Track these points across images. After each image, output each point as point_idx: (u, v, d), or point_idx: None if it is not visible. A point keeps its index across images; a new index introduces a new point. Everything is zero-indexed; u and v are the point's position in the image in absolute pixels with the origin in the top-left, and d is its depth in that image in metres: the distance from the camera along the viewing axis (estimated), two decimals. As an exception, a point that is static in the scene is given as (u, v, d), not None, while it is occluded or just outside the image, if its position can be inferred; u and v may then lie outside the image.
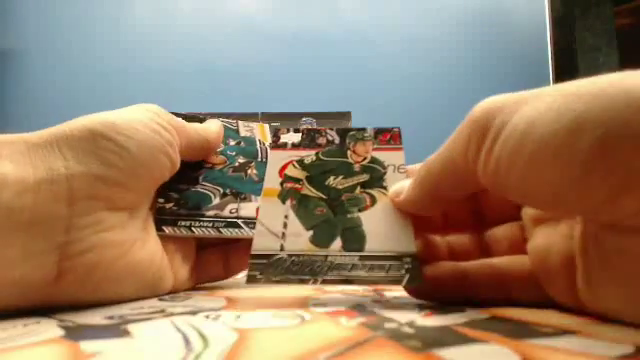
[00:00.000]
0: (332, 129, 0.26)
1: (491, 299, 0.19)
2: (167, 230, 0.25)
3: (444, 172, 0.18)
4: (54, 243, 0.18)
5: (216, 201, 0.27)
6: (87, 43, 0.95)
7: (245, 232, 0.27)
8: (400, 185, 0.22)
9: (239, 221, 0.27)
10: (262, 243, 0.21)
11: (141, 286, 0.23)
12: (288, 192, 0.23)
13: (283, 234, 0.21)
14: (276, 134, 0.26)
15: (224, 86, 0.91)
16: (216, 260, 0.28)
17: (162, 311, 0.18)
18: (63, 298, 0.19)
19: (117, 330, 0.15)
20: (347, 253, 0.20)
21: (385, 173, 0.24)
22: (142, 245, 0.23)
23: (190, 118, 0.28)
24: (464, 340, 0.13)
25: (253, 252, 0.20)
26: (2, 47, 0.94)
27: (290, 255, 0.20)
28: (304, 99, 0.89)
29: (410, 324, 0.15)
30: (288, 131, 0.26)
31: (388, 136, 0.25)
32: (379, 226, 0.21)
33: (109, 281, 0.21)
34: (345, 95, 0.89)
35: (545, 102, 0.14)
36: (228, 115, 0.33)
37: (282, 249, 0.21)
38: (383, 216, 0.22)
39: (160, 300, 0.22)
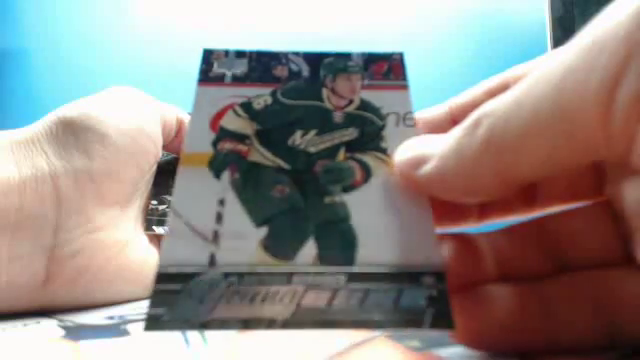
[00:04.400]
0: (298, 54, 0.17)
1: (593, 342, 0.11)
2: (157, 229, 0.23)
3: (539, 135, 0.09)
4: (42, 245, 0.18)
5: None
6: (87, 43, 0.95)
7: None
8: (416, 145, 0.13)
9: None
10: (178, 252, 0.12)
11: (135, 287, 0.22)
12: (226, 158, 0.14)
13: (215, 234, 0.12)
14: (207, 59, 0.16)
15: (224, 86, 0.91)
16: None
17: (162, 311, 0.18)
18: (53, 302, 0.19)
19: (117, 330, 0.15)
20: (326, 268, 0.12)
21: (384, 127, 0.15)
22: (135, 246, 0.22)
23: None
24: (464, 340, 0.13)
25: (161, 269, 0.11)
26: (2, 47, 0.95)
27: (227, 275, 0.11)
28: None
29: (410, 324, 0.15)
30: (227, 55, 0.16)
31: (385, 66, 0.17)
32: (378, 219, 0.13)
33: (101, 284, 0.20)
34: (345, 95, 0.89)
35: None
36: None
37: (213, 262, 0.12)
38: (384, 201, 0.13)
39: (160, 300, 0.22)
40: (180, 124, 0.24)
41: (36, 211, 0.18)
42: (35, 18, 0.97)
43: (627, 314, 0.11)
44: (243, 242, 0.12)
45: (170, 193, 0.25)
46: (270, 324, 0.11)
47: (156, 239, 0.23)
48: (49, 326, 0.16)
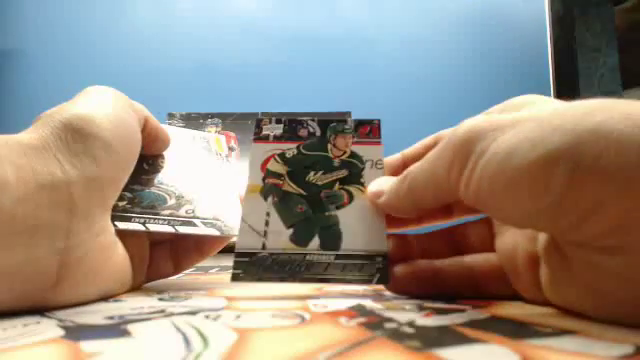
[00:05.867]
0: (314, 120, 0.26)
1: (462, 293, 0.21)
2: (120, 225, 0.24)
3: (428, 185, 0.19)
4: (55, 249, 0.18)
5: (171, 202, 0.26)
6: (87, 43, 0.95)
7: (202, 230, 0.26)
8: (378, 184, 0.22)
9: (195, 220, 0.26)
10: (245, 241, 0.22)
11: (122, 284, 0.23)
12: (270, 188, 0.23)
13: (265, 232, 0.22)
14: (258, 125, 0.26)
15: (224, 86, 0.91)
16: (166, 257, 0.28)
17: (162, 311, 0.18)
18: (56, 302, 0.19)
19: (117, 330, 0.15)
20: (324, 252, 0.21)
21: (363, 169, 0.24)
22: (119, 245, 0.23)
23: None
24: (464, 340, 0.13)
25: (237, 250, 0.21)
26: (2, 47, 0.94)
27: (271, 253, 0.21)
28: (304, 99, 0.89)
29: (410, 324, 0.15)
30: (270, 122, 0.26)
31: (368, 129, 0.25)
32: (355, 225, 0.22)
33: (100, 284, 0.21)
34: (345, 95, 0.89)
35: (522, 131, 0.15)
36: (228, 115, 0.33)
37: (264, 247, 0.21)
38: (359, 214, 0.23)
39: (160, 300, 0.22)
40: (146, 122, 0.25)
41: (51, 217, 0.18)
42: (35, 18, 0.97)
43: (486, 278, 0.21)
44: (280, 236, 0.22)
45: (130, 190, 0.25)
46: (293, 280, 0.21)
47: (122, 238, 0.23)
48: (49, 326, 0.16)
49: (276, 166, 0.24)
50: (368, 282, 0.21)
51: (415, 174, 0.20)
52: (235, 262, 0.21)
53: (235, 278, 0.21)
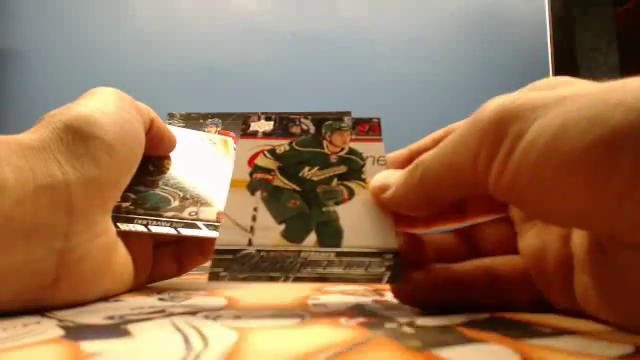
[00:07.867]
0: (307, 117, 0.24)
1: (487, 303, 0.18)
2: (122, 226, 0.24)
3: (445, 177, 0.16)
4: (53, 250, 0.18)
5: (175, 204, 0.27)
6: (87, 43, 0.95)
7: (204, 233, 0.26)
8: (383, 177, 0.20)
9: (198, 223, 0.26)
10: (228, 237, 0.19)
11: (122, 285, 0.23)
12: (258, 183, 0.21)
13: (252, 228, 0.19)
14: (246, 122, 0.24)
15: (224, 86, 0.91)
16: (170, 259, 0.28)
17: (162, 311, 0.18)
18: (55, 302, 0.19)
19: (117, 330, 0.15)
20: (323, 249, 0.18)
21: (364, 165, 0.22)
22: (120, 246, 0.23)
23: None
24: (464, 340, 0.13)
25: (217, 247, 0.18)
26: (2, 47, 0.94)
27: (259, 250, 0.18)
28: (304, 99, 0.89)
29: (410, 324, 0.15)
30: (259, 118, 0.24)
31: (367, 127, 0.24)
32: (358, 221, 0.19)
33: (99, 284, 0.21)
34: (345, 95, 0.89)
35: (573, 109, 0.12)
36: (228, 115, 0.33)
37: (250, 244, 0.18)
38: (362, 210, 0.20)
39: (160, 300, 0.22)
40: (151, 124, 0.25)
41: (50, 218, 0.18)
42: (34, 18, 0.97)
43: (511, 285, 0.18)
44: (269, 232, 0.19)
45: (134, 191, 0.25)
46: (286, 279, 0.17)
47: (124, 238, 0.23)
48: (49, 326, 0.16)
49: (265, 161, 0.22)
50: (377, 281, 0.18)
51: (429, 163, 0.17)
52: (214, 260, 0.18)
53: (214, 277, 0.17)
